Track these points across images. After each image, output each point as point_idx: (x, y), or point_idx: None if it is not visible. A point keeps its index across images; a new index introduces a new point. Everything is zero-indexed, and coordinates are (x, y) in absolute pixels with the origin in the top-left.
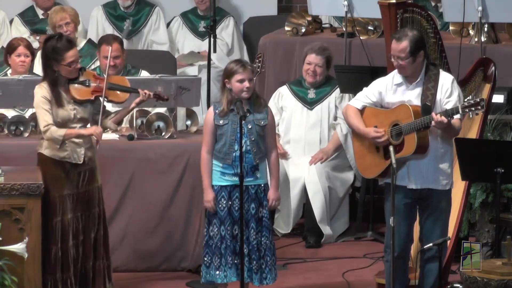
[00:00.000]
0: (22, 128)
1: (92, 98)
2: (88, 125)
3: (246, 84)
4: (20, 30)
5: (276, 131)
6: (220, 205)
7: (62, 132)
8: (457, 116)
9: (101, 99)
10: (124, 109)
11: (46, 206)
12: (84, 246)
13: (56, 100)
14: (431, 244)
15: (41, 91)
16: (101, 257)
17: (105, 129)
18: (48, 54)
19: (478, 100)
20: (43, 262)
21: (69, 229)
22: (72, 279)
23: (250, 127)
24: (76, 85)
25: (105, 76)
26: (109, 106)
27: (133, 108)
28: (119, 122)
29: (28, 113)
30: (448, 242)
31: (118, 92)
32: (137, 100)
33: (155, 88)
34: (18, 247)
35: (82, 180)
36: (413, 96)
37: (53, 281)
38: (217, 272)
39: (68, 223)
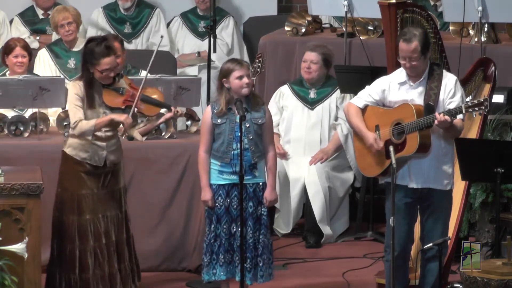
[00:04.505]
0: (22, 128)
1: (123, 107)
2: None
3: (246, 80)
4: (20, 30)
5: (277, 131)
6: (217, 204)
7: (92, 122)
8: (459, 116)
9: (133, 109)
10: (152, 123)
11: (62, 203)
12: (108, 249)
13: (88, 101)
14: (431, 244)
15: (75, 89)
16: (125, 260)
17: (130, 139)
18: (86, 55)
19: (482, 100)
20: (58, 260)
21: (88, 230)
22: (91, 281)
23: (248, 125)
24: (110, 90)
25: (140, 87)
26: None
27: (160, 123)
28: (145, 134)
29: (28, 113)
30: (448, 242)
31: (150, 105)
32: (167, 116)
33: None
34: (18, 247)
35: (103, 182)
36: (415, 95)
37: (67, 279)
38: (205, 269)
39: (86, 224)
